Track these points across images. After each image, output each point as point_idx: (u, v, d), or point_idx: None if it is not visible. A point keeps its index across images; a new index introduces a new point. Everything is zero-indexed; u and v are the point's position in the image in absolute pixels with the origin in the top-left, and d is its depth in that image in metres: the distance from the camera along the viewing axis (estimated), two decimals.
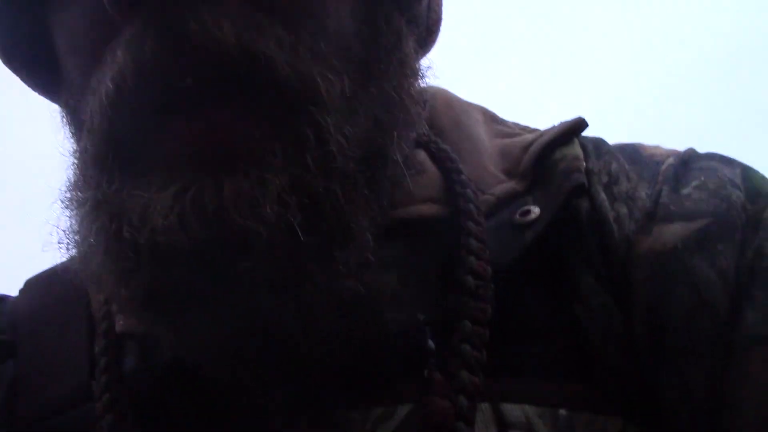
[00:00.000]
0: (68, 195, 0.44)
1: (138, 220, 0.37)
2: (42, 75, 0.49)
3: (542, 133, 0.50)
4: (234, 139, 0.38)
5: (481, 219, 0.45)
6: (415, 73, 0.47)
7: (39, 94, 0.51)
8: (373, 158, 0.41)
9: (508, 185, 0.48)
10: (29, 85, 0.51)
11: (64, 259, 0.46)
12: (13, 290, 0.55)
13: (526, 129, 0.54)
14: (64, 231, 0.44)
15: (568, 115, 0.51)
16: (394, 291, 0.43)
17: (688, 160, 0.49)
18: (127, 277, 0.39)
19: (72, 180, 0.44)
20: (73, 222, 0.43)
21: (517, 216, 0.46)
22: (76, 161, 0.43)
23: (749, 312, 0.42)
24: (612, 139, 0.53)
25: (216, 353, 0.41)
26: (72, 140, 0.45)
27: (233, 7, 0.38)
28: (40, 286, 0.53)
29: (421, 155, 0.50)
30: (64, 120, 0.46)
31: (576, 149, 0.49)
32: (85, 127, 0.40)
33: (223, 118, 0.38)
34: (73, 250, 0.43)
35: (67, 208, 0.43)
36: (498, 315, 0.43)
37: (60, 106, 0.47)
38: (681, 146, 0.51)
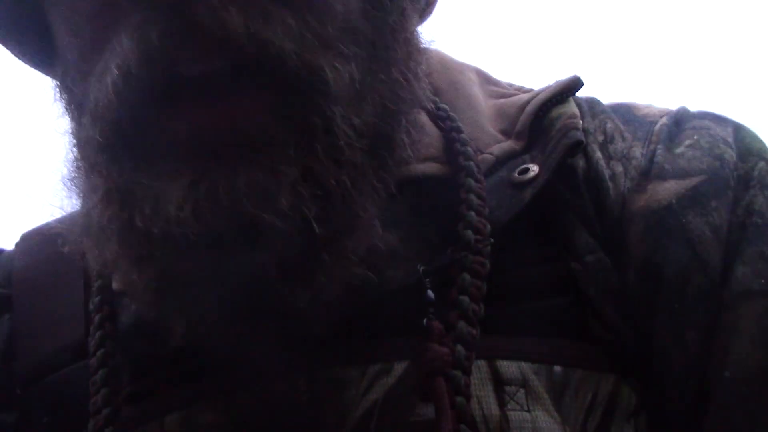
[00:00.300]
0: (74, 180, 0.43)
1: (150, 210, 0.37)
2: (32, 47, 0.47)
3: (537, 93, 0.51)
4: (247, 129, 0.37)
5: (480, 177, 0.46)
6: (420, 50, 0.46)
7: (30, 66, 0.49)
8: (380, 145, 0.41)
9: (506, 144, 0.48)
10: (21, 59, 0.49)
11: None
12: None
13: (520, 89, 0.54)
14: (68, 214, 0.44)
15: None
16: (395, 248, 0.43)
17: (681, 120, 0.50)
18: (140, 265, 0.39)
19: (78, 166, 0.43)
20: (81, 208, 0.43)
21: (516, 174, 0.46)
22: (81, 146, 0.43)
23: (739, 267, 0.44)
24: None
25: (221, 333, 0.41)
26: (70, 120, 0.44)
27: None
28: (36, 240, 0.53)
29: (420, 115, 0.50)
30: (60, 97, 0.45)
31: (572, 108, 0.49)
32: (89, 113, 0.40)
33: (235, 108, 0.37)
34: (84, 236, 0.43)
35: (72, 192, 0.43)
36: (496, 273, 0.43)
37: (54, 80, 0.45)
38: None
